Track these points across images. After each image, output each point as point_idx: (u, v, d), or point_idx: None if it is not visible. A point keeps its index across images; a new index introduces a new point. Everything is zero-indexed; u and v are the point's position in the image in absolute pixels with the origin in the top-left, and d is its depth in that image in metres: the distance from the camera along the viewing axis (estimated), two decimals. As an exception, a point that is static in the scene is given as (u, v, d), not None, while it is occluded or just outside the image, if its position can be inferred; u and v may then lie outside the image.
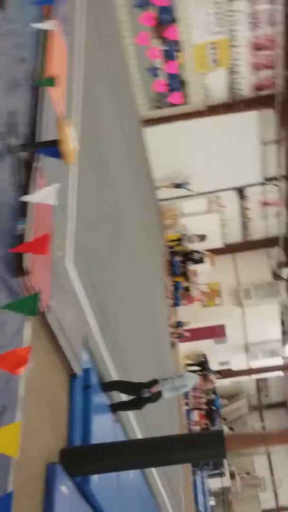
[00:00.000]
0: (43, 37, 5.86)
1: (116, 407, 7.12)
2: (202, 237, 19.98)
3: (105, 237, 8.33)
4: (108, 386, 6.96)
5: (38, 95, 5.47)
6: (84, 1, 9.48)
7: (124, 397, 7.51)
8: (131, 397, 7.40)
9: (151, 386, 7.24)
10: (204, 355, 20.33)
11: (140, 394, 7.16)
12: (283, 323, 20.06)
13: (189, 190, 18.78)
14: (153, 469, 9.23)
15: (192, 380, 7.55)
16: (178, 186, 18.64)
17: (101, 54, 10.78)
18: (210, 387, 18.30)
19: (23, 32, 5.32)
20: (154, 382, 7.31)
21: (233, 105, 17.01)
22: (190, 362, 20.31)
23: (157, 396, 7.30)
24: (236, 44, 15.80)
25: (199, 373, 17.14)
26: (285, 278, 22.02)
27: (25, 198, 4.66)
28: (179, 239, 20.07)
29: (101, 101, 9.75)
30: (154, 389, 7.17)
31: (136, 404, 7.36)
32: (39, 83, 5.47)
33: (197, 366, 19.61)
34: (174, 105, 16.76)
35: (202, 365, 19.56)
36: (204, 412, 18.15)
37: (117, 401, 7.27)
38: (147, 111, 17.42)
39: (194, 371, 18.09)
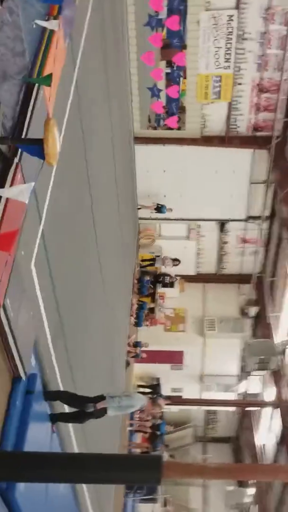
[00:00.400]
0: (44, 35, 5.84)
1: (57, 418, 6.99)
2: (176, 262, 20.01)
3: (75, 245, 8.27)
4: (52, 395, 6.84)
5: (28, 91, 5.44)
6: (95, 8, 9.54)
7: (68, 409, 7.39)
8: (74, 410, 7.28)
9: (97, 401, 7.14)
10: (157, 379, 20.25)
11: (84, 408, 7.06)
12: (242, 360, 20.09)
13: (169, 212, 18.88)
14: (84, 486, 9.07)
15: (140, 401, 7.50)
16: (159, 209, 18.72)
17: (102, 64, 10.83)
18: (158, 411, 18.18)
19: (26, 26, 5.29)
20: (101, 398, 7.22)
21: (228, 140, 17.18)
22: (142, 383, 20.20)
23: (101, 412, 7.21)
24: (241, 82, 16.05)
25: (149, 396, 17.05)
26: (252, 316, 22.15)
27: (-2, 191, 4.60)
28: (152, 260, 20.09)
29: (93, 108, 9.76)
30: (100, 405, 7.08)
31: (78, 417, 7.26)
32: (34, 80, 5.44)
33: (149, 388, 19.51)
34: (169, 128, 16.88)
35: (154, 388, 19.47)
36: (147, 435, 18.00)
37: (59, 411, 7.14)
38: (140, 129, 17.54)
39: (144, 393, 17.99)
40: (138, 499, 18.05)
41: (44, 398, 6.49)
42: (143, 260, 20.23)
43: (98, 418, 7.32)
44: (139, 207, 18.85)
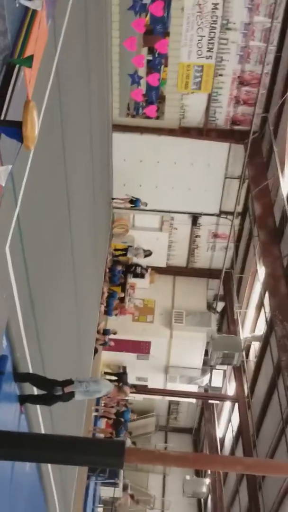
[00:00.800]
0: (27, 15, 5.76)
1: (25, 399, 7.05)
2: (148, 253, 20.07)
3: (49, 230, 8.25)
4: (22, 377, 6.88)
5: (8, 72, 5.37)
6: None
7: (36, 391, 7.43)
8: (42, 392, 7.33)
9: (65, 385, 7.22)
10: (124, 368, 20.36)
11: (52, 391, 7.14)
12: (206, 353, 20.33)
13: (144, 208, 18.91)
14: (50, 466, 9.16)
15: (106, 387, 7.64)
16: (133, 202, 18.72)
17: (83, 47, 10.75)
18: (123, 398, 18.32)
19: (8, 5, 5.22)
20: (69, 382, 7.30)
21: (206, 132, 17.23)
22: (109, 371, 20.28)
23: (68, 396, 7.30)
24: (222, 73, 16.02)
25: (115, 383, 17.14)
26: (219, 311, 22.41)
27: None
28: (125, 250, 20.10)
29: (72, 92, 9.70)
30: (68, 389, 7.18)
31: (46, 400, 7.35)
32: (15, 61, 5.37)
33: (115, 376, 19.60)
34: (148, 117, 16.86)
35: (120, 376, 19.57)
36: (111, 421, 18.12)
37: (28, 393, 7.18)
38: (119, 116, 17.46)
39: (110, 380, 18.09)
40: (100, 482, 18.23)
41: (14, 379, 6.51)
42: (115, 250, 20.23)
43: (65, 401, 7.41)
44: (113, 197, 18.80)
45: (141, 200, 18.70)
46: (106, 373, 19.74)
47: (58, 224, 9.04)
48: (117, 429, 17.49)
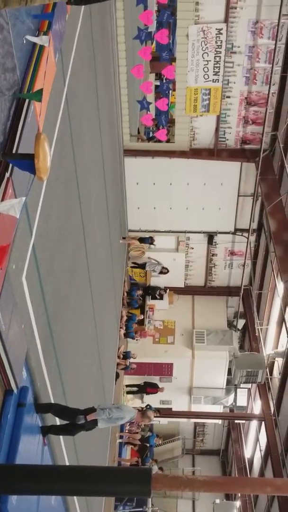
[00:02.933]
0: (35, 50, 5.91)
1: (47, 430, 7.01)
2: (165, 271, 20.04)
3: (65, 258, 8.32)
4: (44, 408, 6.86)
5: (19, 106, 5.49)
6: (85, 23, 9.65)
7: (58, 422, 7.40)
8: (65, 422, 7.30)
9: (87, 413, 7.17)
10: (144, 383, 20.07)
11: (75, 420, 7.08)
12: (229, 372, 20.13)
13: (153, 245, 19.05)
14: (75, 498, 9.08)
15: (130, 413, 7.54)
16: (142, 240, 18.92)
17: (91, 76, 10.94)
18: (147, 424, 18.15)
19: (16, 42, 5.36)
20: (91, 410, 7.25)
21: (216, 152, 17.33)
22: (129, 384, 20.03)
23: (92, 424, 7.24)
24: (230, 95, 16.19)
25: (139, 408, 16.94)
26: (240, 329, 22.24)
27: (-11, 206, 4.64)
28: (142, 264, 20.08)
29: (83, 122, 9.86)
30: (91, 417, 7.11)
31: (69, 429, 7.28)
32: (25, 96, 5.50)
33: (136, 387, 19.32)
34: (158, 141, 17.01)
35: (140, 388, 19.32)
36: (136, 448, 17.95)
37: (50, 424, 7.16)
38: (130, 141, 17.66)
39: (132, 392, 18.03)
40: (128, 511, 17.98)
41: (36, 410, 6.51)
42: (132, 267, 20.20)
43: (88, 430, 7.36)
44: (124, 237, 18.95)
45: (150, 240, 19.05)
46: (127, 386, 19.50)
47: (74, 251, 9.11)
48: (143, 456, 17.31)
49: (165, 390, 19.65)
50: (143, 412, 8.04)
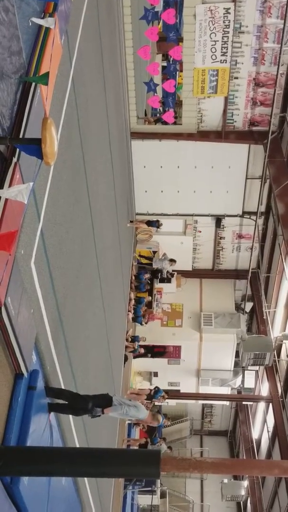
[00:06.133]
0: (40, 33, 5.85)
1: (53, 408, 6.95)
2: (172, 262, 20.03)
3: (73, 242, 8.32)
4: (54, 393, 6.86)
5: (25, 90, 5.45)
6: (90, 3, 9.54)
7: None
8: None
9: (101, 400, 7.11)
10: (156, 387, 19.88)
11: (87, 407, 7.01)
12: (237, 355, 20.20)
13: (159, 228, 19.07)
14: (86, 479, 9.20)
15: (143, 413, 7.58)
16: (150, 223, 18.86)
17: (98, 59, 10.85)
18: (155, 424, 18.17)
19: (22, 25, 5.31)
20: (104, 397, 7.18)
21: (224, 134, 17.19)
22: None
23: (100, 413, 7.22)
24: (238, 76, 15.99)
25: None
26: (247, 311, 22.27)
27: (-3, 192, 4.63)
28: (150, 259, 20.09)
29: (89, 105, 9.79)
30: (108, 411, 7.12)
31: (75, 410, 7.22)
32: (31, 79, 5.45)
33: (144, 348, 19.33)
34: (165, 123, 16.88)
35: (148, 348, 19.34)
36: (145, 429, 18.10)
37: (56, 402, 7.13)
38: (137, 124, 17.54)
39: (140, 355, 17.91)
40: (137, 490, 18.23)
41: (46, 394, 6.54)
42: (140, 256, 20.23)
43: (94, 417, 7.33)
44: (131, 220, 18.89)
45: (158, 223, 18.94)
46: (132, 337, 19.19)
47: (82, 235, 9.11)
48: (152, 436, 17.47)
49: (173, 374, 19.69)
50: (153, 414, 8.18)
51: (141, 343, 18.30)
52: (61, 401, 7.06)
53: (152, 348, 19.44)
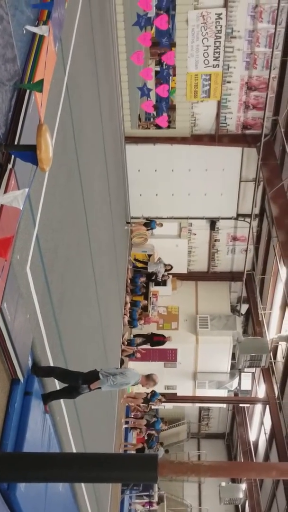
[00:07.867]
0: (35, 40, 5.89)
1: (48, 397, 6.82)
2: (168, 267, 20.07)
3: (69, 246, 8.36)
4: (44, 371, 6.67)
5: (20, 97, 5.49)
6: (84, 10, 9.60)
7: (58, 386, 7.24)
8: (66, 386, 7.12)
9: (90, 376, 6.94)
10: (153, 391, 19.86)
11: (77, 385, 6.81)
12: (233, 357, 20.23)
13: (159, 227, 19.15)
14: (83, 484, 9.19)
15: (134, 377, 7.19)
16: (148, 224, 18.90)
17: (92, 65, 10.90)
18: (152, 386, 18.12)
19: (16, 33, 5.35)
20: (93, 373, 6.95)
21: (218, 138, 17.27)
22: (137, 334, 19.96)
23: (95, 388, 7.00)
24: (230, 80, 16.09)
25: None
26: (243, 313, 22.32)
27: (-8, 198, 4.66)
28: (145, 263, 20.12)
29: (84, 111, 9.84)
30: (94, 385, 6.89)
31: (70, 392, 7.03)
32: (25, 86, 5.50)
33: (144, 337, 19.24)
34: (159, 127, 16.95)
35: (147, 337, 19.30)
36: (142, 433, 18.10)
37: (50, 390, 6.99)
38: (131, 128, 17.61)
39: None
40: (135, 495, 18.20)
41: (36, 374, 6.43)
42: (135, 260, 20.27)
43: (91, 390, 7.07)
44: (128, 221, 18.91)
45: (157, 221, 18.93)
46: (135, 336, 19.03)
47: (78, 239, 9.15)
48: (149, 440, 17.46)
49: (170, 377, 19.64)
50: (148, 375, 7.67)
51: (139, 332, 18.22)
52: (52, 390, 6.91)
53: (151, 336, 19.31)
